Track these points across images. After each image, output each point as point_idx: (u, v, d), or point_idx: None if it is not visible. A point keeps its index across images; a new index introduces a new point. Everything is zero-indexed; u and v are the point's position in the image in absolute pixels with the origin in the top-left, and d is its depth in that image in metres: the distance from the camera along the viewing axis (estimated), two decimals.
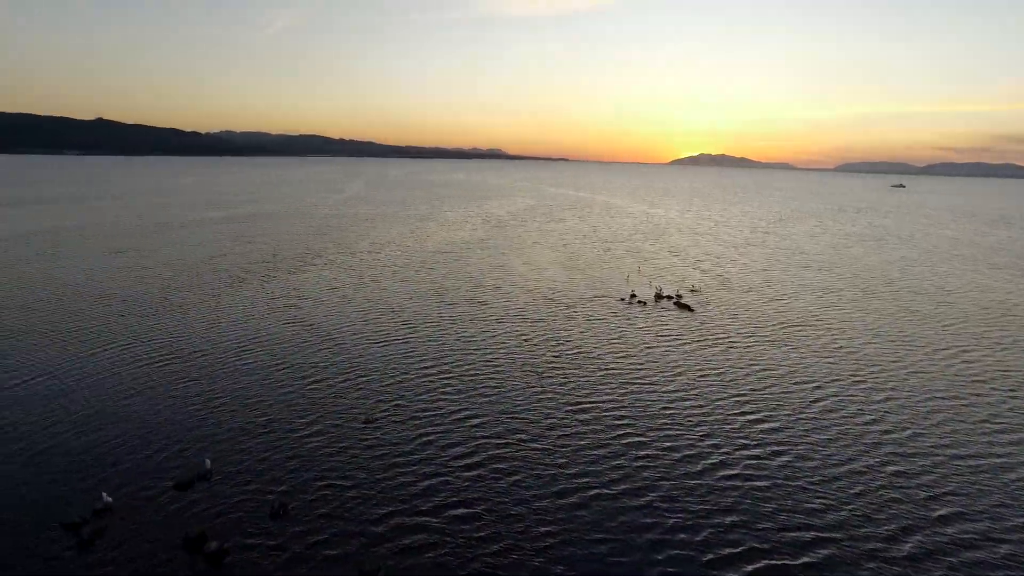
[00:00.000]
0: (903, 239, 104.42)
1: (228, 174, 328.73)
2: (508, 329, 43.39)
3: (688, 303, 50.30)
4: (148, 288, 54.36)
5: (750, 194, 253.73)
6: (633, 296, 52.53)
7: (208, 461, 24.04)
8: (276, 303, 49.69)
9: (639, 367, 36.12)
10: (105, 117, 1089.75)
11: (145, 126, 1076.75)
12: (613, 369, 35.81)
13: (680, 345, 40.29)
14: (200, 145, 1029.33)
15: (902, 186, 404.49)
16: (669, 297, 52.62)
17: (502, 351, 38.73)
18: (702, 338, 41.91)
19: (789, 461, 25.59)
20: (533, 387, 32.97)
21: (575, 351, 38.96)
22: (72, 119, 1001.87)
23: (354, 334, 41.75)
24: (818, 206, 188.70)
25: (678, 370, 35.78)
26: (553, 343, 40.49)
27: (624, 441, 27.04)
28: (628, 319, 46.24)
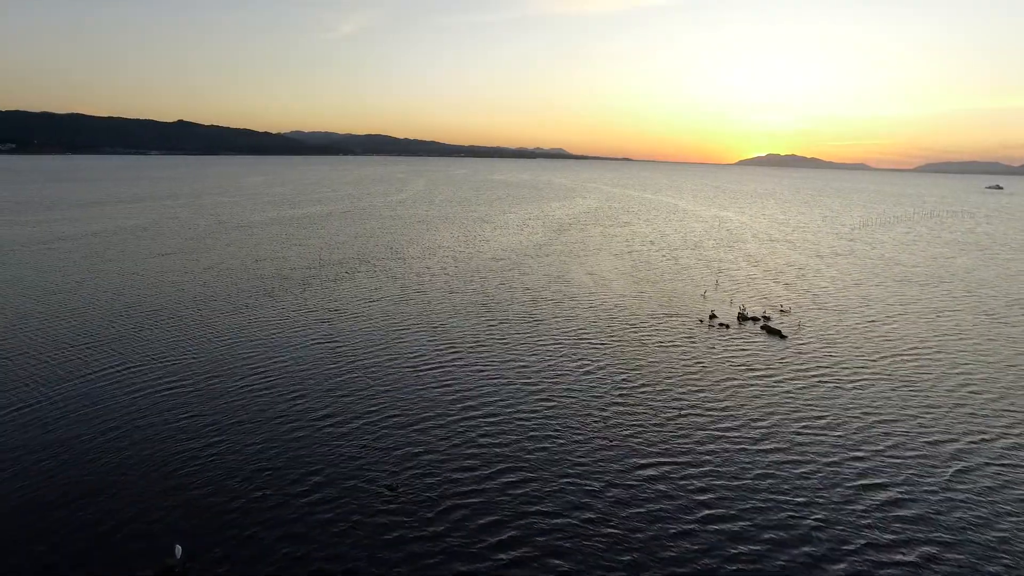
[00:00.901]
0: (1016, 248, 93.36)
1: (295, 173, 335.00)
2: (568, 356, 38.03)
3: (778, 328, 43.51)
4: (178, 297, 51.58)
5: (826, 197, 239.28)
6: (713, 317, 46.10)
7: (179, 549, 18.84)
8: (308, 318, 45.81)
9: (725, 412, 30.18)
10: (185, 119, 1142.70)
11: (221, 127, 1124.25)
12: (693, 413, 30.05)
13: (774, 383, 33.95)
14: (272, 145, 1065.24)
15: (999, 187, 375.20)
16: (755, 319, 45.92)
17: (560, 386, 33.41)
18: (799, 374, 35.50)
19: (925, 549, 19.51)
20: (596, 435, 27.53)
21: (646, 387, 33.29)
22: (156, 121, 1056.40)
23: (389, 360, 37.13)
24: (905, 210, 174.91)
25: (774, 417, 29.72)
26: (620, 376, 34.90)
27: (709, 512, 21.47)
28: (709, 347, 40.09)
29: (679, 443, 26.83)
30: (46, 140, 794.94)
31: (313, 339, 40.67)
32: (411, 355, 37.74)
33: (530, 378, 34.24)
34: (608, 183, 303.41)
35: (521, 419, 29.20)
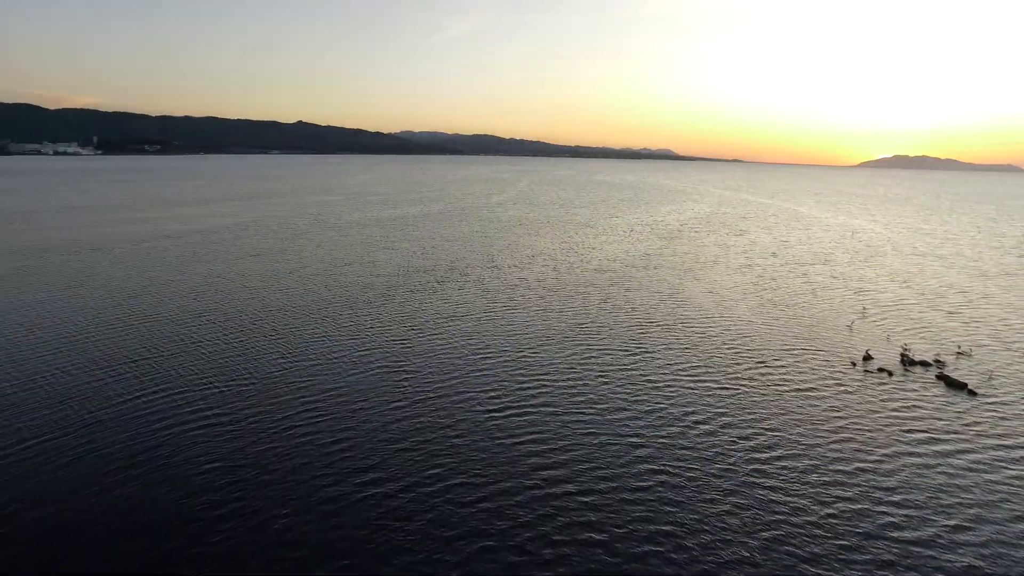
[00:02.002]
0: None
1: (400, 172, 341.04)
2: (680, 402, 30.65)
3: (959, 377, 33.97)
4: (255, 304, 48.34)
5: (974, 203, 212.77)
6: (868, 359, 36.86)
7: None
8: (382, 337, 40.77)
9: (902, 504, 22.04)
10: (304, 120, 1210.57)
11: (337, 127, 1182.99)
12: (856, 503, 22.09)
13: (970, 464, 25.09)
14: (383, 144, 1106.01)
15: None
16: (925, 364, 36.21)
17: (670, 447, 26.19)
18: (1004, 449, 26.44)
19: None
20: (719, 525, 20.38)
21: (786, 457, 25.47)
22: (278, 122, 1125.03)
23: (465, 396, 31.10)
24: None
25: (968, 510, 21.30)
26: (749, 436, 27.25)
27: None
28: (868, 402, 31.24)
29: (839, 548, 19.15)
30: (185, 141, 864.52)
31: (383, 363, 35.57)
32: (492, 391, 31.71)
33: (632, 430, 27.29)
34: (719, 186, 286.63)
35: (613, 492, 22.41)
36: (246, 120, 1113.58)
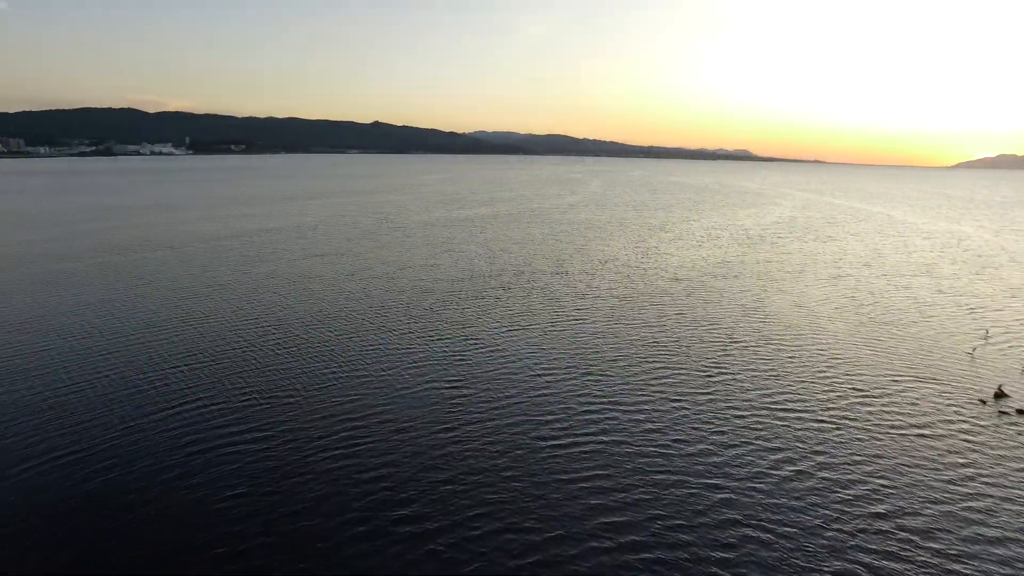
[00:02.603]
0: None
1: (472, 171, 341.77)
2: (773, 442, 26.30)
3: None
4: (309, 308, 46.63)
5: None
6: (1002, 396, 30.96)
7: None
8: (438, 350, 37.93)
9: None
10: (381, 120, 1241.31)
11: (412, 127, 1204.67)
12: None
13: None
14: (457, 144, 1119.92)
15: None
16: None
17: (760, 499, 22.17)
18: None
19: None
20: None
21: (907, 519, 20.97)
22: (355, 123, 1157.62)
23: (526, 424, 27.74)
24: None
25: None
26: (859, 488, 22.81)
27: None
28: (1009, 454, 25.96)
29: None
30: (268, 141, 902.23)
31: (436, 379, 32.83)
32: (553, 417, 28.36)
33: (711, 470, 23.37)
34: (801, 188, 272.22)
35: (686, 548, 18.68)
36: (325, 120, 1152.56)
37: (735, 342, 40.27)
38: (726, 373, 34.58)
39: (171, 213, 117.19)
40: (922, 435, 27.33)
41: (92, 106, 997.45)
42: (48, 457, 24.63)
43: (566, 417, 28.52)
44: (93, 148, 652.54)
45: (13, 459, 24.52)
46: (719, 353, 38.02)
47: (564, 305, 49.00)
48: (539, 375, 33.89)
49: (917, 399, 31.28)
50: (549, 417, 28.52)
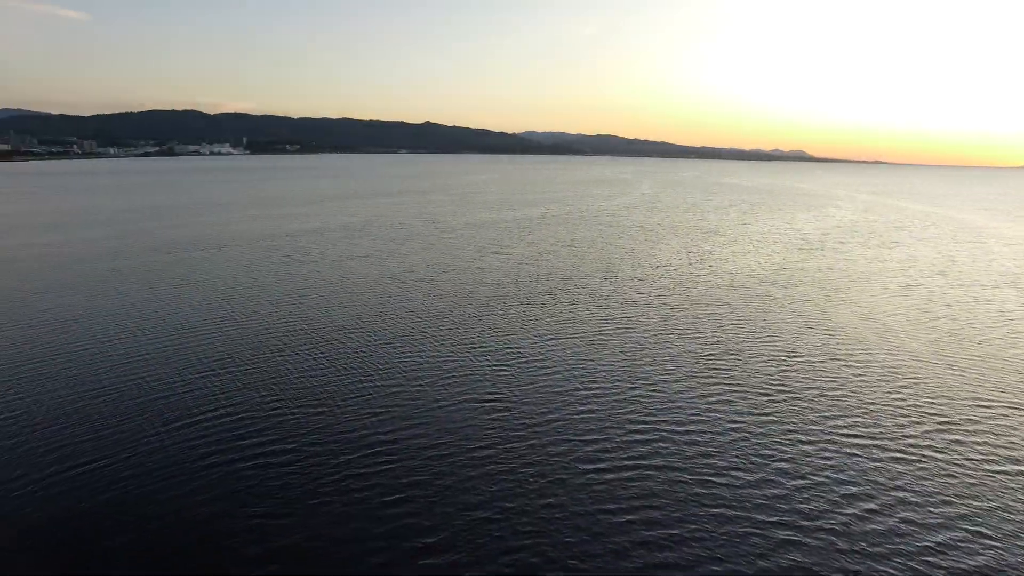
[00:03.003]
0: None
1: (521, 172, 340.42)
2: (843, 475, 23.40)
3: None
4: (344, 313, 45.44)
5: None
6: None
7: None
8: (479, 355, 36.13)
9: None
10: (431, 121, 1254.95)
11: (462, 127, 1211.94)
12: None
13: None
14: (506, 144, 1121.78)
15: None
16: None
17: (831, 541, 19.42)
18: None
19: None
20: None
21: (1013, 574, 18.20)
22: (406, 123, 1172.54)
23: (568, 446, 25.54)
24: None
25: None
26: (950, 533, 19.87)
27: None
28: None
29: None
30: (322, 142, 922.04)
31: (475, 391, 31.00)
32: (599, 438, 26.15)
33: (774, 503, 20.79)
34: (862, 190, 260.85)
35: None
36: (377, 121, 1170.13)
37: (797, 358, 37.23)
38: (788, 392, 31.72)
39: (222, 212, 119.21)
40: (1022, 472, 24.10)
41: (157, 108, 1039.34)
42: (82, 460, 24.12)
43: (611, 438, 26.30)
44: (157, 148, 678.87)
45: (49, 460, 24.04)
46: (780, 370, 35.11)
47: (612, 314, 46.63)
48: (584, 390, 31.73)
49: (1013, 429, 27.87)
50: (593, 437, 26.35)
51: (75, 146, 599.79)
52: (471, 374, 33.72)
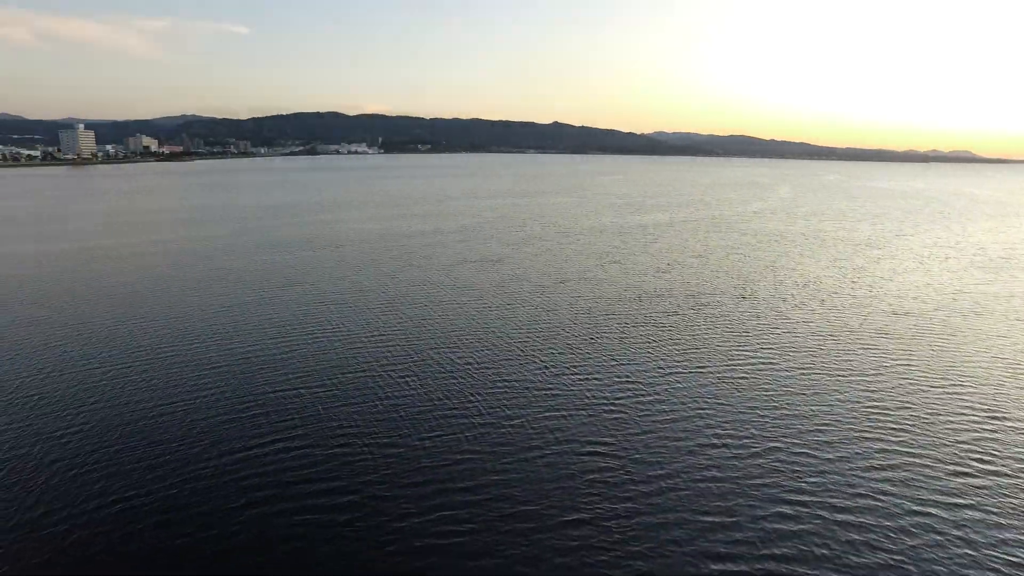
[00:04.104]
0: None
1: (649, 174, 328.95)
2: None
3: None
4: (445, 323, 41.82)
5: None
6: None
7: None
8: (590, 386, 31.06)
9: None
10: (559, 121, 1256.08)
11: (590, 127, 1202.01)
12: None
13: None
14: (634, 145, 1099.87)
15: None
16: None
17: None
18: None
19: None
20: None
21: None
22: (534, 123, 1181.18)
23: (688, 509, 20.27)
24: None
25: None
26: None
27: None
28: None
29: None
30: (452, 141, 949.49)
31: (582, 429, 26.04)
32: (727, 509, 20.40)
33: None
34: None
35: None
36: (506, 121, 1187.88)
37: (992, 410, 28.97)
38: (987, 455, 24.08)
39: (345, 210, 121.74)
40: None
41: (304, 111, 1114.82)
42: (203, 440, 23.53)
43: (747, 514, 20.42)
44: (301, 148, 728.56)
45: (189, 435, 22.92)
46: (972, 424, 27.24)
47: (748, 341, 39.79)
48: (711, 440, 25.84)
49: None
50: (719, 507, 20.60)
51: (232, 146, 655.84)
52: (578, 412, 28.76)
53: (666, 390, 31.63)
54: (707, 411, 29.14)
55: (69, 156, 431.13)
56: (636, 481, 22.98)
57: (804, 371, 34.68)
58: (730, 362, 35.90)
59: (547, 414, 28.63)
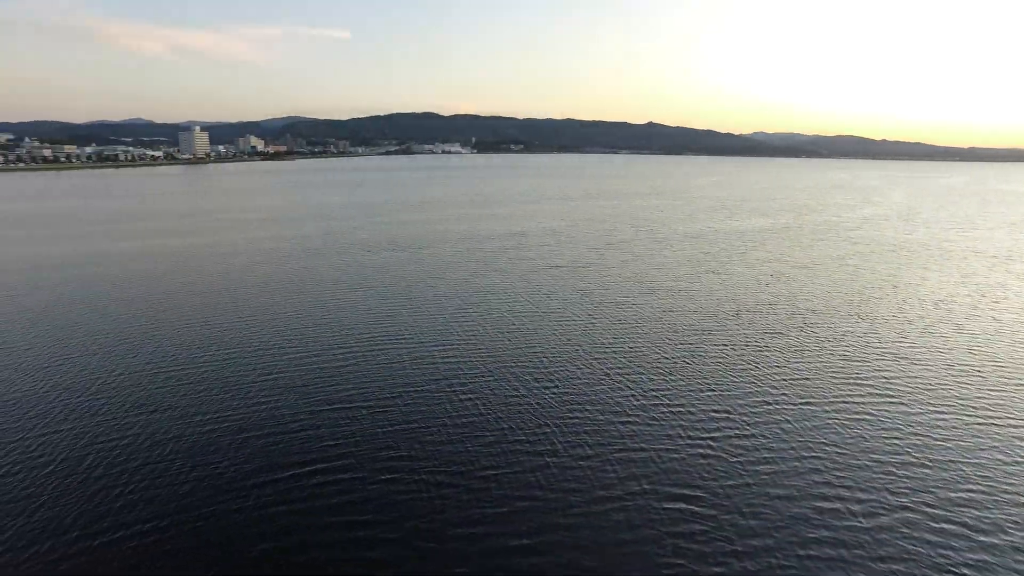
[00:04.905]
0: None
1: (747, 176, 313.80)
2: None
3: None
4: (511, 339, 38.39)
5: None
6: None
7: None
8: (667, 420, 26.91)
9: None
10: (654, 121, 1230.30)
11: (686, 128, 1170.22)
12: None
13: None
14: (733, 146, 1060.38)
15: None
16: None
17: None
18: None
19: None
20: None
21: None
22: (628, 123, 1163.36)
23: None
24: None
25: None
26: None
27: None
28: None
29: None
30: (544, 141, 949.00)
31: (661, 471, 22.08)
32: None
33: None
34: None
35: None
36: (600, 121, 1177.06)
37: None
38: None
39: (432, 210, 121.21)
40: None
41: (401, 112, 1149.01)
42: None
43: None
44: (397, 147, 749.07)
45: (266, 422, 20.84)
46: None
47: (869, 372, 34.22)
48: (828, 498, 21.24)
49: None
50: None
51: (332, 146, 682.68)
52: (664, 450, 24.79)
53: (770, 429, 27.08)
54: (824, 459, 24.46)
55: (186, 156, 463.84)
56: (731, 549, 18.91)
57: (943, 412, 29.06)
58: (848, 397, 30.71)
59: (628, 452, 24.89)
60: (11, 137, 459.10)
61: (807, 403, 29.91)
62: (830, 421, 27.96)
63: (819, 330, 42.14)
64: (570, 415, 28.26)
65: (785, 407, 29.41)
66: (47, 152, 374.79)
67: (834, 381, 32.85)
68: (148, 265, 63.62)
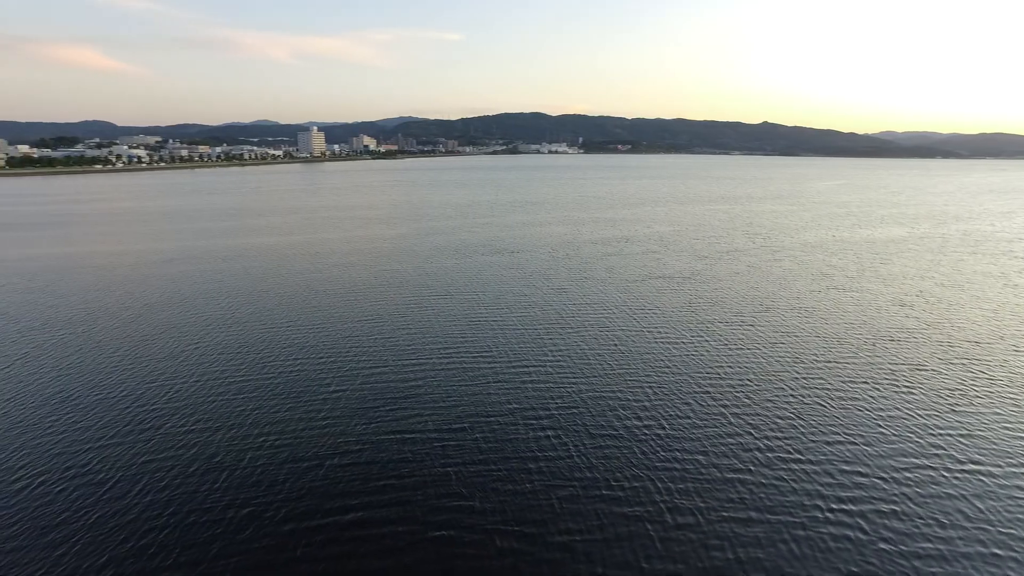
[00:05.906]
0: None
1: (875, 178, 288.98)
2: None
3: None
4: (601, 356, 33.76)
5: None
6: None
7: None
8: (781, 467, 21.54)
9: None
10: (769, 121, 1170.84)
11: (804, 127, 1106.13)
12: None
13: None
14: (856, 146, 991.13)
15: None
16: None
17: None
18: None
19: None
20: None
21: None
22: (742, 123, 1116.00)
23: None
24: None
25: None
26: None
27: None
28: None
29: None
30: (653, 141, 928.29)
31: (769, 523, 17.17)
32: None
33: None
34: None
35: None
36: (711, 121, 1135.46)
37: None
38: None
39: (533, 211, 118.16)
40: None
41: (509, 111, 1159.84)
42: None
43: None
44: (504, 147, 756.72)
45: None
46: None
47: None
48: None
49: None
50: None
51: (441, 145, 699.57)
52: (785, 518, 19.73)
53: (939, 503, 21.20)
54: (1007, 539, 18.52)
55: (303, 154, 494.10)
56: None
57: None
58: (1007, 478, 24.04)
59: (748, 511, 19.97)
60: (159, 140, 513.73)
61: (980, 468, 23.64)
62: (1010, 495, 21.68)
63: (979, 365, 34.79)
64: (675, 464, 23.63)
65: (946, 470, 23.32)
66: (184, 152, 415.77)
67: (1009, 432, 26.12)
68: (243, 264, 64.28)
